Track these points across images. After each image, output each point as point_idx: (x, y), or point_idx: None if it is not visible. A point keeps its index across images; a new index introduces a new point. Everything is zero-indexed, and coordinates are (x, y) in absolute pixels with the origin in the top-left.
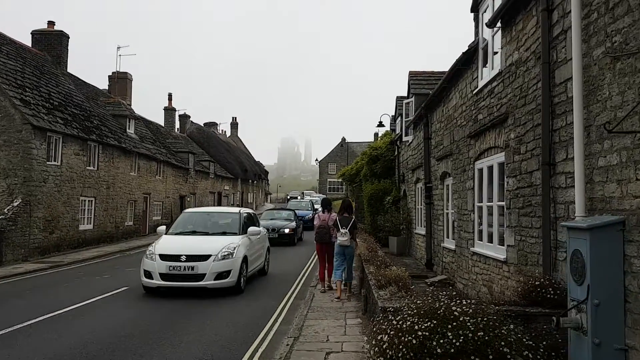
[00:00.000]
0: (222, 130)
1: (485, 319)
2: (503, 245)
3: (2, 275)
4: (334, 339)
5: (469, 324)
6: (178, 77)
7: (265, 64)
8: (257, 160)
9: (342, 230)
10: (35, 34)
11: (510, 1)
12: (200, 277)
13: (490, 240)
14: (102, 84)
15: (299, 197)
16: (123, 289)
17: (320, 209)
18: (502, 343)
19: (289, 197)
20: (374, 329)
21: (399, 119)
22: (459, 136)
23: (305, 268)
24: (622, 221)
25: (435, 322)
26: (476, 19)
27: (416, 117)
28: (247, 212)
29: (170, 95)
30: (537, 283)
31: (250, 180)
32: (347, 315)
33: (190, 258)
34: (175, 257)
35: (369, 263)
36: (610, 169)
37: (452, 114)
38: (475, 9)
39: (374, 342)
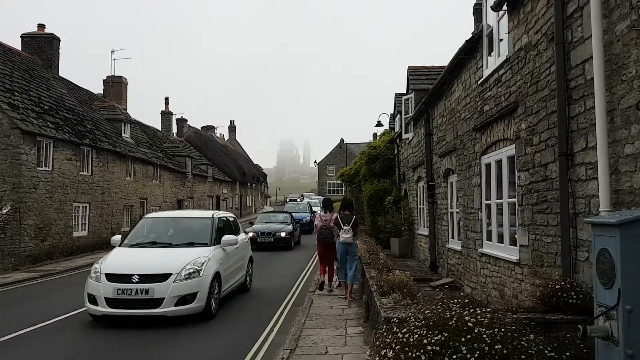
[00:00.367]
0: (220, 134)
1: (502, 329)
2: (515, 245)
3: None
4: (333, 350)
5: (484, 335)
6: (175, 81)
7: (263, 66)
8: (255, 163)
9: (344, 228)
10: (26, 38)
11: None
12: (157, 302)
13: (501, 241)
14: (99, 89)
15: (298, 200)
16: None
17: (321, 210)
18: (523, 357)
19: (288, 200)
20: (377, 343)
21: (398, 116)
22: (463, 130)
23: (301, 277)
24: None
25: (446, 334)
26: (475, 13)
27: (416, 113)
28: (223, 217)
29: (167, 99)
30: (557, 287)
31: (248, 184)
32: (347, 324)
33: (145, 278)
34: (126, 278)
35: (370, 266)
36: (639, 156)
37: (455, 108)
38: None
39: (377, 358)
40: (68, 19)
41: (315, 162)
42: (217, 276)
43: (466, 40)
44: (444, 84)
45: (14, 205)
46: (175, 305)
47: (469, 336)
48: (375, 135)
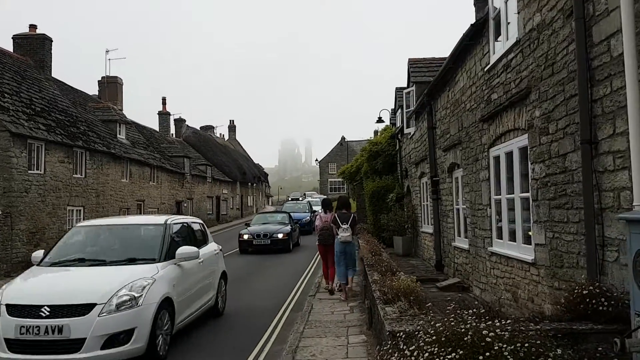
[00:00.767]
0: (220, 134)
1: (526, 344)
2: (530, 244)
3: None
4: None
5: (506, 352)
6: (173, 81)
7: (262, 66)
8: (256, 162)
9: (343, 226)
10: (17, 39)
11: None
12: (76, 344)
13: (513, 239)
14: (96, 90)
15: (300, 199)
16: None
17: (321, 210)
18: None
19: (290, 199)
20: None
21: (399, 111)
22: (469, 122)
23: (298, 286)
24: None
25: (461, 352)
26: (477, 3)
27: (418, 106)
28: (181, 223)
29: (164, 100)
30: (584, 292)
31: (249, 183)
32: (349, 331)
33: (58, 311)
34: (32, 310)
35: (372, 269)
36: None
37: (460, 98)
38: None
39: None
40: (64, 20)
41: (316, 160)
42: (166, 304)
43: (471, 25)
44: (447, 74)
45: (4, 210)
46: (103, 347)
47: (487, 354)
48: (376, 132)
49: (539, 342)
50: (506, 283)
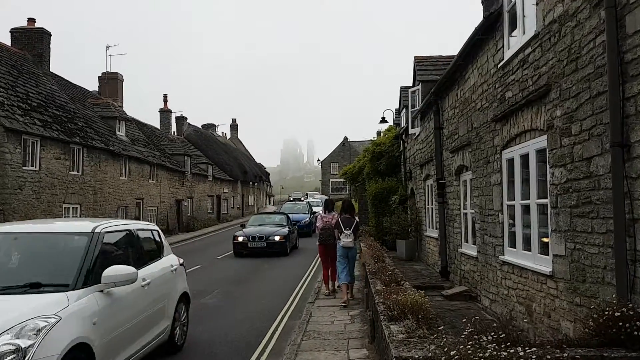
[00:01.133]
0: (223, 133)
1: None
2: (547, 254)
3: None
4: None
5: None
6: (176, 79)
7: (265, 65)
8: (258, 162)
9: (345, 232)
10: (15, 32)
11: None
12: None
13: (528, 248)
14: (96, 86)
15: (302, 199)
16: None
17: (322, 210)
18: None
19: (292, 199)
20: None
21: (404, 111)
22: (480, 122)
23: (294, 294)
24: None
25: None
26: (485, 2)
27: (424, 105)
28: (118, 231)
29: (165, 97)
30: (616, 314)
31: (250, 182)
32: (350, 344)
33: None
34: None
35: (375, 277)
36: None
37: (470, 97)
38: None
39: None
40: (65, 15)
41: (318, 160)
42: (79, 353)
43: (484, 17)
44: (457, 71)
45: None
46: None
47: None
48: (379, 132)
49: None
50: (519, 295)
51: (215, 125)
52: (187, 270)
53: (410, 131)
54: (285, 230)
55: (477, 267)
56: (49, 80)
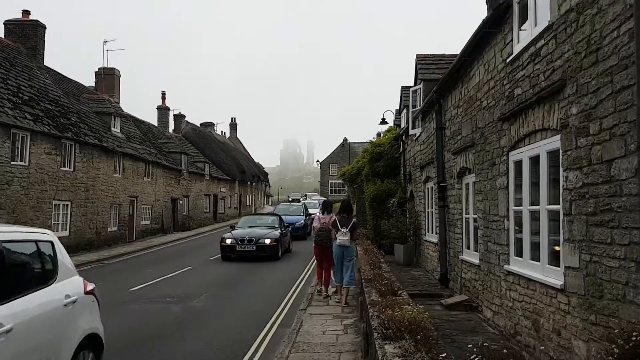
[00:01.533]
0: (222, 132)
1: None
2: (558, 266)
3: None
4: None
5: None
6: (175, 77)
7: (265, 65)
8: (257, 161)
9: (342, 230)
10: (9, 24)
11: None
12: None
13: (536, 258)
14: (92, 82)
15: (301, 199)
16: None
17: (319, 212)
18: None
19: (290, 199)
20: None
21: (405, 111)
22: (485, 121)
23: (284, 304)
24: None
25: None
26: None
27: (426, 104)
28: None
29: (163, 94)
30: None
31: (248, 182)
32: (341, 358)
33: None
34: None
35: (371, 285)
36: None
37: (475, 95)
38: None
39: None
40: (63, 9)
41: (317, 161)
42: None
43: (493, 9)
44: (461, 68)
45: None
46: None
47: None
48: (379, 134)
49: None
50: (525, 308)
51: (214, 124)
52: (177, 272)
53: (411, 132)
54: (277, 232)
55: (479, 275)
56: (42, 74)
